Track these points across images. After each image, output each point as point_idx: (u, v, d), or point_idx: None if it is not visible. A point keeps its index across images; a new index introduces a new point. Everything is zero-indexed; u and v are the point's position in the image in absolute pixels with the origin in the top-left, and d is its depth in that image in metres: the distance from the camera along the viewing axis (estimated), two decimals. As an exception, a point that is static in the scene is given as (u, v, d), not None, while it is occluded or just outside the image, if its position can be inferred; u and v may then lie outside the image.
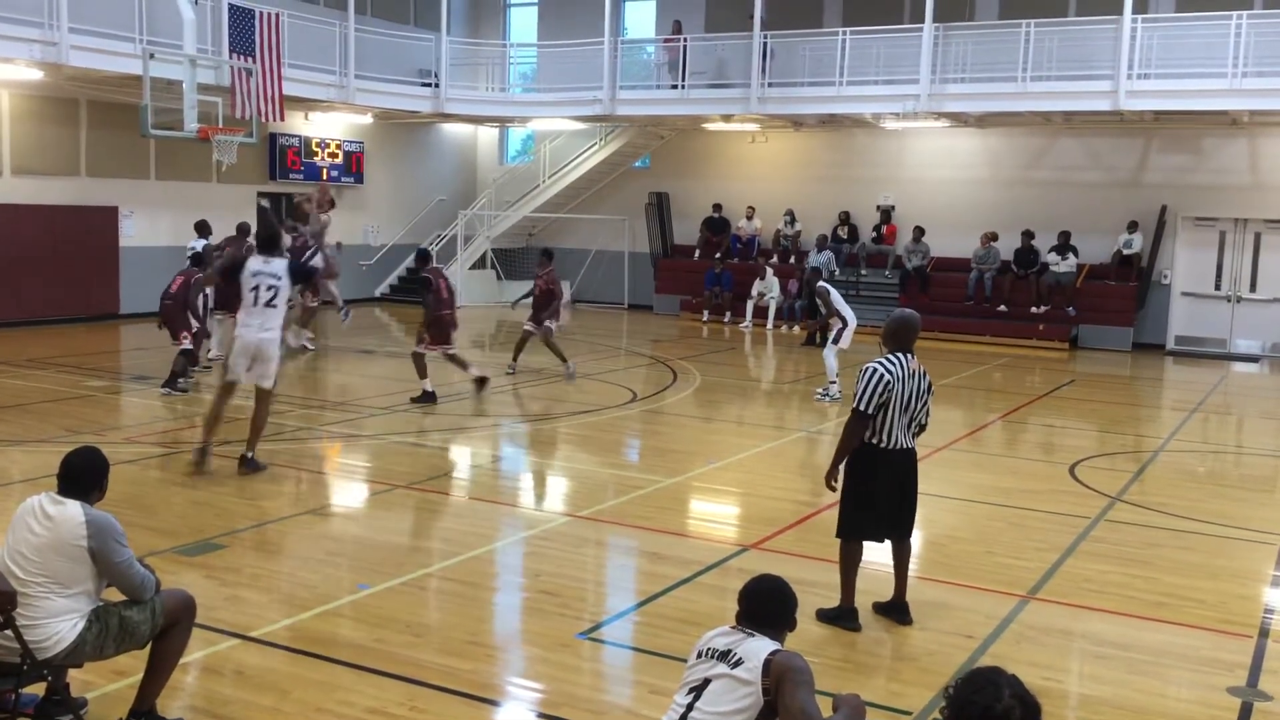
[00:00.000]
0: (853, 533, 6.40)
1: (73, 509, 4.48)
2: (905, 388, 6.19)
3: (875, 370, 6.15)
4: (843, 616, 6.37)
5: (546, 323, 14.83)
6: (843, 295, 14.64)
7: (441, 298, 13.19)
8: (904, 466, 6.38)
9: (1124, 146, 21.27)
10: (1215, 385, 17.27)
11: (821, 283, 14.63)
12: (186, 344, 13.17)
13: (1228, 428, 14.57)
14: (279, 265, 9.44)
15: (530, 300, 15.10)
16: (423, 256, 14.51)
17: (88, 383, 13.66)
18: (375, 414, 12.44)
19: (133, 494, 8.35)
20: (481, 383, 13.56)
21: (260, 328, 9.30)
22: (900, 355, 6.27)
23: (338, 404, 13.26)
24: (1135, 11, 18.23)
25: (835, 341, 14.08)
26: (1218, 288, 20.75)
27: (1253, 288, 20.57)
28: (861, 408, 6.12)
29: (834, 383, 14.02)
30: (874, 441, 6.23)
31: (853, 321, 14.02)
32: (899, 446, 6.28)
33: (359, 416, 12.34)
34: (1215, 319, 20.72)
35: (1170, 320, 20.96)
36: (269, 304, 9.31)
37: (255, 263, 9.42)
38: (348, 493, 9.44)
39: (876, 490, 6.32)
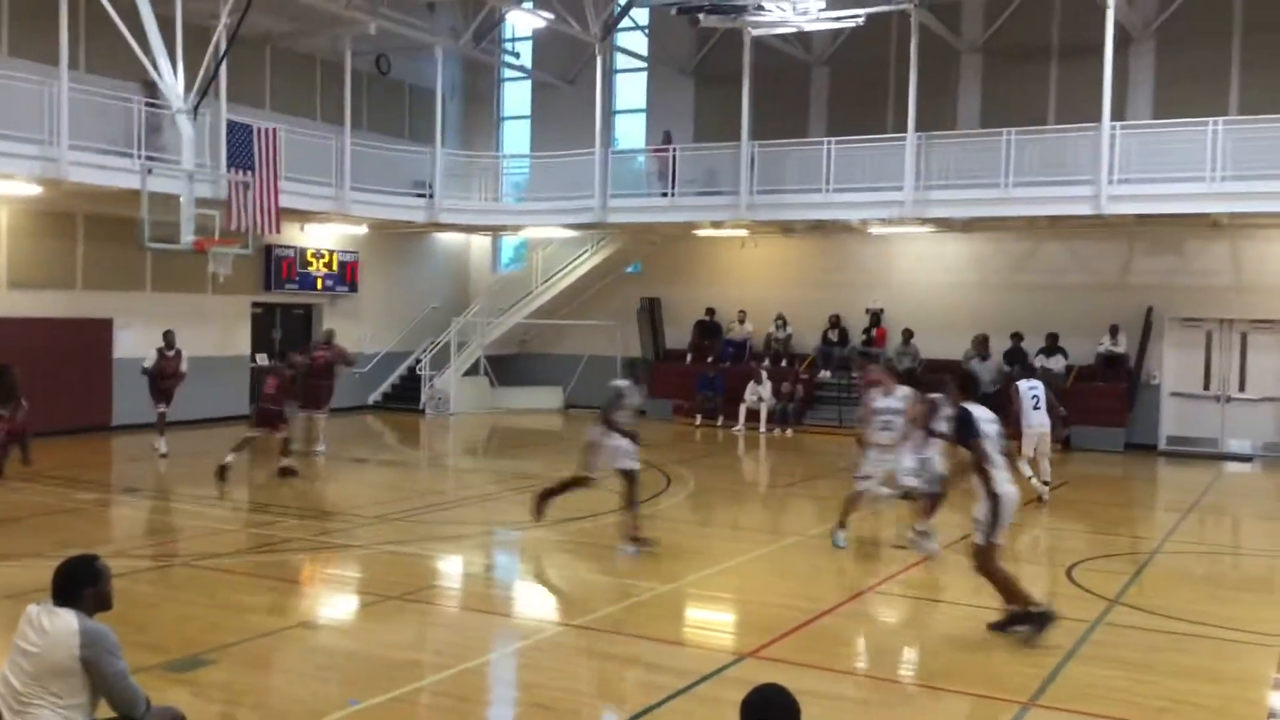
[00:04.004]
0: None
1: (67, 619, 4.46)
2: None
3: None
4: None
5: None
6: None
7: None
8: None
9: (1108, 249, 21.59)
10: (1209, 485, 17.24)
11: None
12: (284, 433, 14.99)
13: (1223, 528, 14.51)
14: None
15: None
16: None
17: (78, 495, 13.56)
18: (367, 524, 12.34)
19: (120, 608, 8.20)
20: (222, 472, 13.99)
21: None
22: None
23: (329, 514, 13.16)
24: (1113, 119, 18.69)
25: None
26: (1207, 388, 20.85)
27: (1241, 387, 20.67)
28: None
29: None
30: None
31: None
32: None
33: (350, 526, 12.24)
34: (1206, 419, 20.76)
35: (1161, 421, 21.01)
36: None
37: None
38: (338, 604, 9.32)
39: None
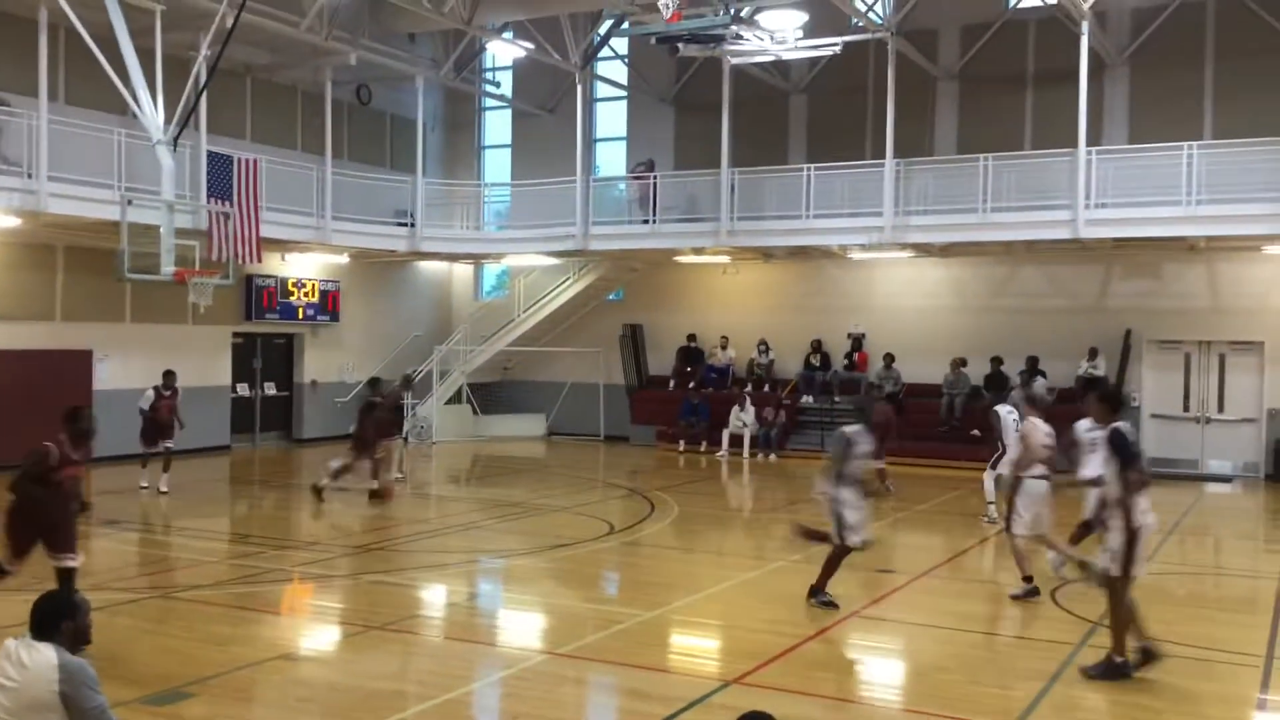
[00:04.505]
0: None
1: (45, 654, 4.43)
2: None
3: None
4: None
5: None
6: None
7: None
8: None
9: (1086, 273, 21.77)
10: (1190, 506, 17.31)
11: (999, 407, 14.23)
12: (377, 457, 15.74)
13: (1205, 549, 14.57)
14: None
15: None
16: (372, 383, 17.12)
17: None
18: (349, 553, 12.27)
19: (98, 642, 8.14)
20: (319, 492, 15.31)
21: None
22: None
23: (310, 544, 13.08)
24: (1089, 144, 18.89)
25: (994, 467, 14.08)
26: (1186, 409, 20.99)
27: (1220, 408, 20.83)
28: None
29: (991, 504, 14.37)
30: None
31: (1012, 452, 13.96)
32: None
33: (332, 556, 12.17)
34: (1185, 440, 20.89)
35: (1141, 442, 21.08)
36: None
37: None
38: (320, 635, 9.26)
39: None
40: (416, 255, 24.48)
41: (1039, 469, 10.28)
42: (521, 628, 9.78)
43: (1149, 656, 7.73)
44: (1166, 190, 18.44)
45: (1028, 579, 10.30)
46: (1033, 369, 21.29)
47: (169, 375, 16.69)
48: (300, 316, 23.59)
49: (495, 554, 12.71)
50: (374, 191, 23.02)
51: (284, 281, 23.16)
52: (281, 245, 21.64)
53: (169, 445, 16.33)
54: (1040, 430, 10.46)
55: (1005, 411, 13.84)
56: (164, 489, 16.02)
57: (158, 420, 16.23)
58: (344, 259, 24.02)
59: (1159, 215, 18.55)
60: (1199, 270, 20.94)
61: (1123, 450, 7.70)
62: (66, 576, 8.11)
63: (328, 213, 21.43)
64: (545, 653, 8.53)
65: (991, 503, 14.43)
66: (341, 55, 21.15)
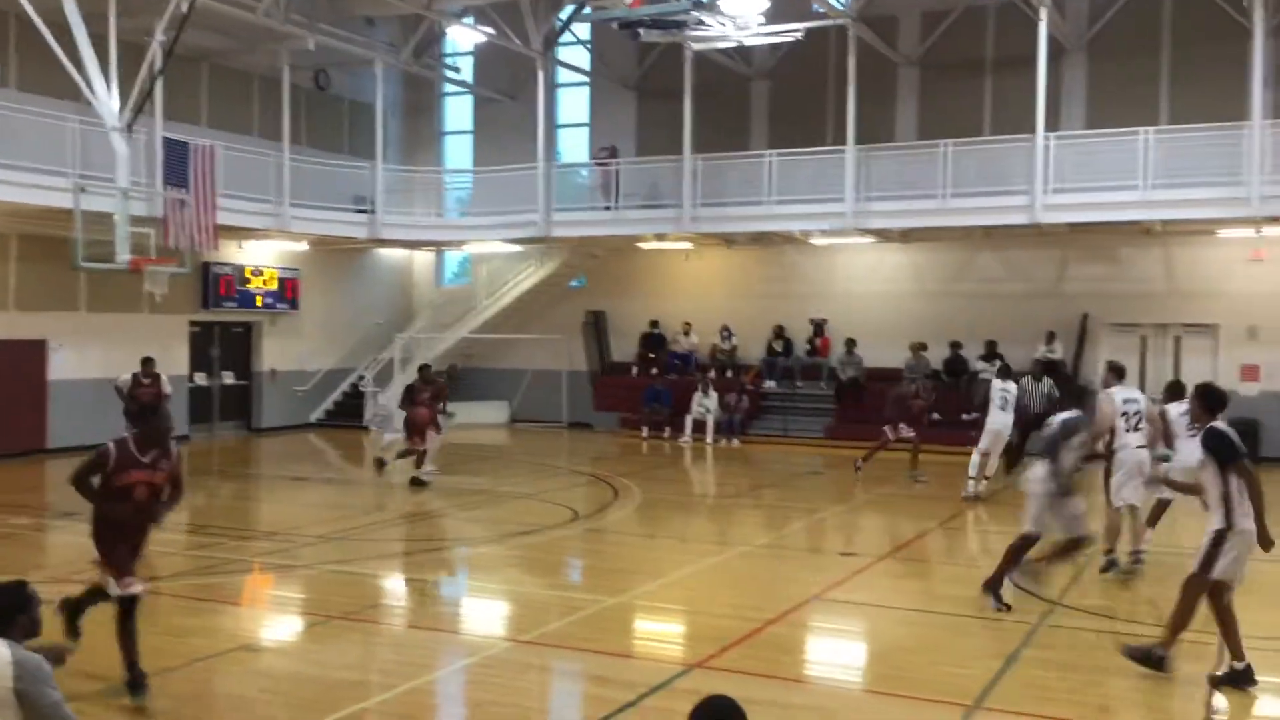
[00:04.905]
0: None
1: (0, 650, 4.34)
2: None
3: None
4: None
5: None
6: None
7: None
8: None
9: (1044, 258, 21.98)
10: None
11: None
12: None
13: (1161, 527, 14.75)
14: None
15: None
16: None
17: (12, 520, 13.24)
18: (309, 543, 12.19)
19: (57, 635, 8.04)
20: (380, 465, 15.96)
21: None
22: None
23: (270, 534, 12.98)
24: (1047, 129, 19.06)
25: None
26: (1142, 390, 21.19)
27: (1176, 390, 21.10)
28: None
29: (972, 479, 15.06)
30: None
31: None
32: None
33: (293, 546, 12.08)
34: (1142, 421, 21.16)
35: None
36: None
37: None
38: (281, 626, 9.19)
39: None
40: (377, 242, 24.29)
41: (1135, 439, 10.26)
42: (485, 615, 9.76)
43: (1237, 679, 7.25)
44: (1123, 175, 18.65)
45: (1108, 550, 10.43)
46: (991, 352, 21.49)
47: (148, 362, 16.15)
48: (259, 305, 23.36)
49: (458, 542, 12.67)
50: (333, 178, 22.81)
51: (241, 269, 22.91)
52: (239, 233, 21.39)
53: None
54: (1116, 400, 10.35)
55: (999, 388, 14.52)
56: None
57: (140, 407, 15.29)
58: (303, 246, 23.78)
59: (1115, 200, 18.76)
60: (1155, 254, 21.21)
61: (1220, 452, 7.24)
62: (120, 605, 6.95)
63: (286, 199, 21.21)
64: (509, 640, 8.52)
65: (972, 478, 14.78)
66: (299, 40, 20.91)
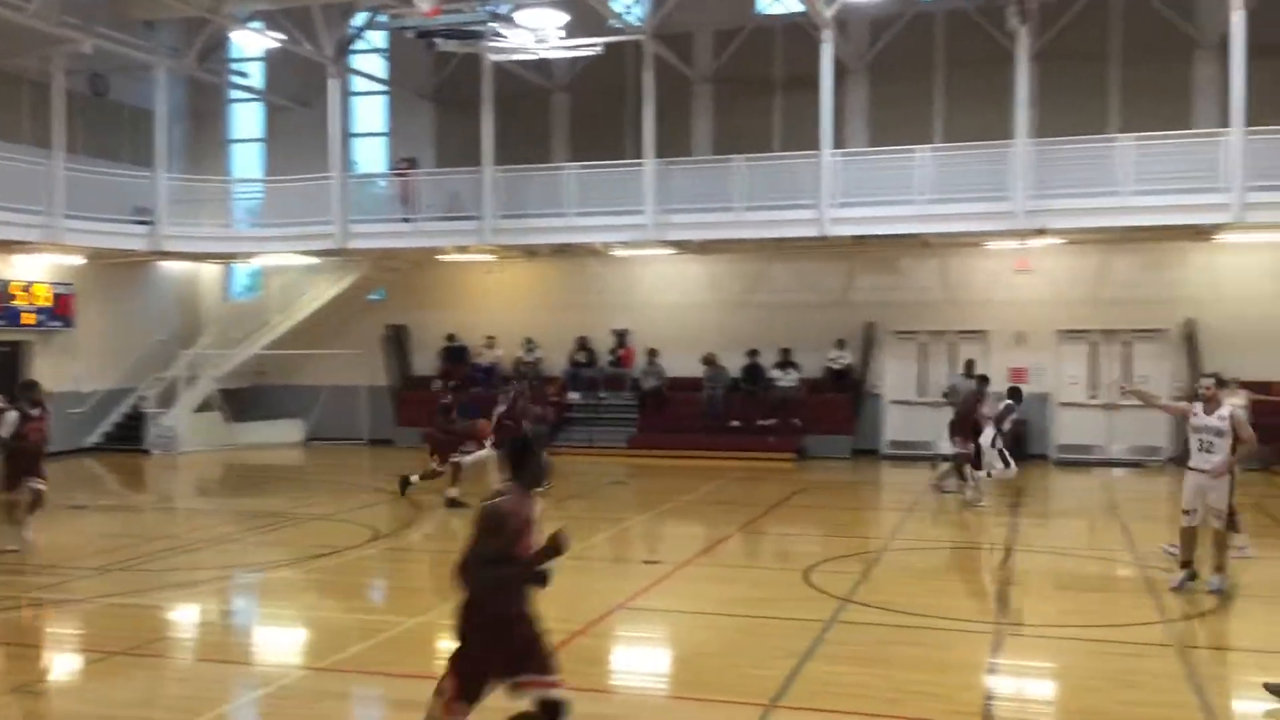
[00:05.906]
0: None
1: None
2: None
3: None
4: None
5: None
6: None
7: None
8: None
9: (832, 269, 22.94)
10: (926, 484, 18.52)
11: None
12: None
13: (941, 524, 15.64)
14: None
15: None
16: None
17: None
18: (87, 575, 11.45)
19: None
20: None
21: None
22: None
23: (45, 566, 12.11)
24: (833, 146, 19.91)
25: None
26: (921, 395, 22.45)
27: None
28: None
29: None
30: None
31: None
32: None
33: (68, 579, 11.32)
34: (922, 424, 22.28)
35: (884, 427, 22.48)
36: None
37: None
38: (58, 665, 8.61)
39: None
40: (159, 255, 23.12)
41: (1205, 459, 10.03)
42: (279, 643, 9.41)
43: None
44: (900, 191, 19.71)
45: (1185, 564, 10.24)
46: (785, 360, 22.30)
47: (31, 387, 12.88)
48: (29, 322, 21.81)
49: (251, 568, 12.17)
50: (111, 187, 21.56)
51: (6, 285, 21.34)
52: (6, 246, 19.97)
53: (39, 485, 12.48)
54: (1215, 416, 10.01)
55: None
56: (29, 535, 12.40)
57: (24, 451, 12.31)
58: (79, 260, 22.37)
59: (895, 214, 19.81)
60: (932, 265, 22.47)
61: None
62: None
63: (59, 210, 19.93)
64: (305, 668, 8.25)
65: (970, 484, 15.73)
66: (74, 43, 19.70)
